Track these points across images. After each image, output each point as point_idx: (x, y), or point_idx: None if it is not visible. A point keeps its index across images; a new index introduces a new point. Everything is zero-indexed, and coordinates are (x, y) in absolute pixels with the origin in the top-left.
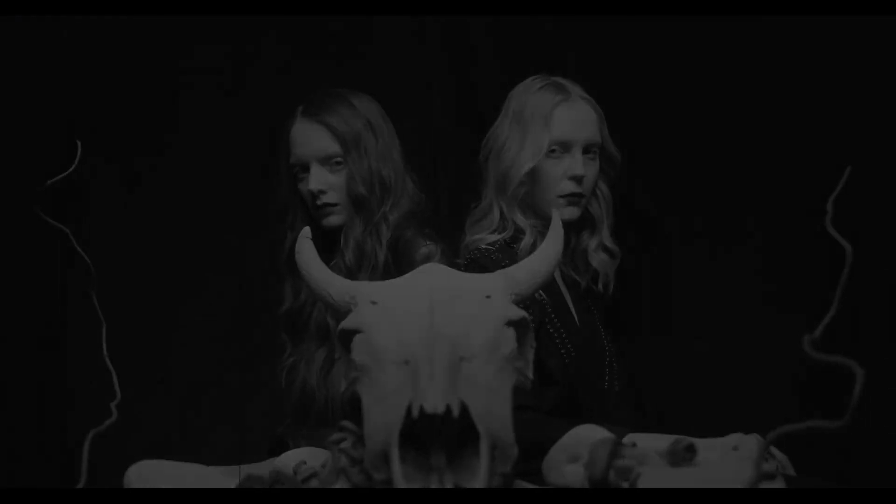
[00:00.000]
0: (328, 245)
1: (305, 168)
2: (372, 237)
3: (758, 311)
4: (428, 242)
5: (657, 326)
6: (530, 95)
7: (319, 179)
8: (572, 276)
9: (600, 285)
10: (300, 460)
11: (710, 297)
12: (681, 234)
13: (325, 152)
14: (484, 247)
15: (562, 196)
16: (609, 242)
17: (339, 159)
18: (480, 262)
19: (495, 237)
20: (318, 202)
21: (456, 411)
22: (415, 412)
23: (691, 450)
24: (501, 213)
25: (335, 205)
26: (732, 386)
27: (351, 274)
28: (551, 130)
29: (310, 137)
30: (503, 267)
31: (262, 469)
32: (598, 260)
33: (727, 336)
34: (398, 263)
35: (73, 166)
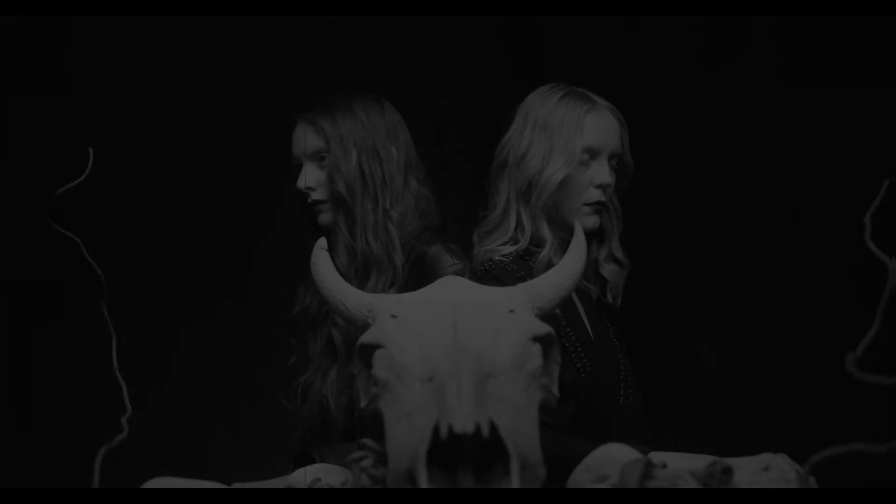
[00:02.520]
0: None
1: (301, 167)
2: (378, 239)
3: (770, 323)
4: (456, 261)
5: (668, 339)
6: (555, 103)
7: (307, 176)
8: (584, 288)
9: (609, 296)
10: (314, 477)
11: (723, 310)
12: (691, 245)
13: (311, 148)
14: (498, 258)
15: (588, 204)
16: (618, 253)
17: (323, 154)
18: (495, 275)
19: (509, 249)
20: (308, 200)
21: (486, 431)
22: (443, 432)
23: (728, 472)
24: (517, 223)
25: (324, 202)
26: (745, 401)
27: (349, 280)
28: (583, 137)
29: (300, 136)
30: (520, 279)
31: (276, 486)
32: (608, 270)
33: (738, 350)
34: (422, 280)
35: (85, 174)
